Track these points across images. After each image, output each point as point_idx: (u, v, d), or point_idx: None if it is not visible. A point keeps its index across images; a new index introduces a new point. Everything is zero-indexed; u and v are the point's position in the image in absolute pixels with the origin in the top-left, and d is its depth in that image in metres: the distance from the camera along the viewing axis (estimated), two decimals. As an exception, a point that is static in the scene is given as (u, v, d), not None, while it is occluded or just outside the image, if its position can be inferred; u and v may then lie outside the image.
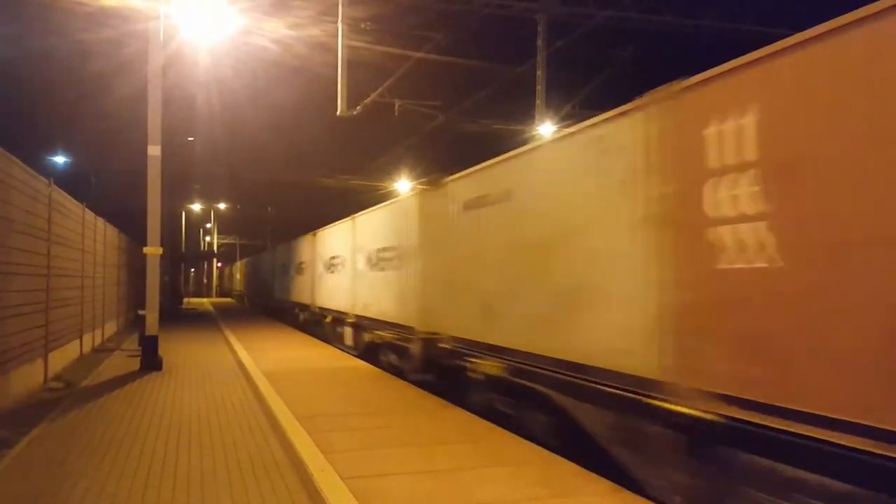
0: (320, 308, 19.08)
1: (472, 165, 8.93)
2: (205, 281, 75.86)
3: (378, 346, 13.09)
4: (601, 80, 18.90)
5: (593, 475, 5.55)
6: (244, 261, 55.11)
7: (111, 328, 18.95)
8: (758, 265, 4.29)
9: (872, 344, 3.63)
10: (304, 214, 36.14)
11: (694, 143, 4.84)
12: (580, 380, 6.03)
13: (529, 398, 7.07)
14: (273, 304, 29.88)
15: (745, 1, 17.17)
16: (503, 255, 7.87)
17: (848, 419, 3.68)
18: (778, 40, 4.21)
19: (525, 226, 7.41)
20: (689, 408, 4.72)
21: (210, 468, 5.89)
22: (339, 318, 16.46)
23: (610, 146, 5.92)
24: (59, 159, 38.31)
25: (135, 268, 22.67)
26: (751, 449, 4.36)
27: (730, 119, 4.57)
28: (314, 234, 20.68)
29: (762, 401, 4.19)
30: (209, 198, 53.44)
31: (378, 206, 14.30)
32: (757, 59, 4.40)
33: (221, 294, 69.28)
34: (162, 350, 12.44)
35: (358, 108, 16.53)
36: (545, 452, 6.32)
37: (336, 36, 15.22)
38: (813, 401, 3.89)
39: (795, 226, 4.10)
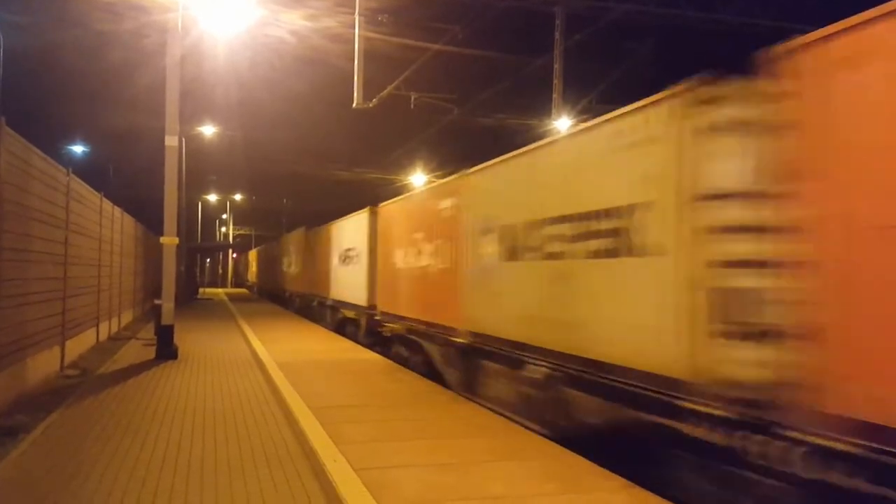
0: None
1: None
2: (220, 271, 76.35)
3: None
4: (619, 73, 18.77)
5: (605, 471, 5.54)
6: (256, 249, 55.37)
7: (127, 317, 19.13)
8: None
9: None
10: (319, 205, 36.23)
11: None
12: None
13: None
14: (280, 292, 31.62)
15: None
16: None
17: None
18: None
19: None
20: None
21: (223, 457, 5.95)
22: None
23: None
24: (78, 149, 38.66)
25: (151, 257, 22.87)
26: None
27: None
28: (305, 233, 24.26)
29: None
30: (225, 189, 53.74)
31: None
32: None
33: (237, 284, 69.63)
34: (177, 339, 12.54)
35: (374, 100, 16.51)
36: (556, 448, 6.31)
37: (353, 27, 15.20)
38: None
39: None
